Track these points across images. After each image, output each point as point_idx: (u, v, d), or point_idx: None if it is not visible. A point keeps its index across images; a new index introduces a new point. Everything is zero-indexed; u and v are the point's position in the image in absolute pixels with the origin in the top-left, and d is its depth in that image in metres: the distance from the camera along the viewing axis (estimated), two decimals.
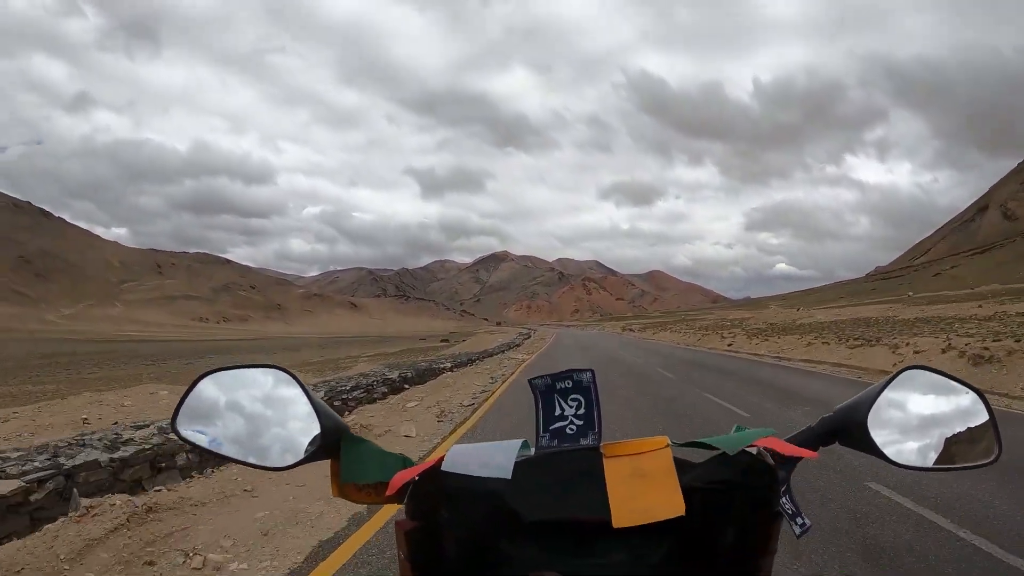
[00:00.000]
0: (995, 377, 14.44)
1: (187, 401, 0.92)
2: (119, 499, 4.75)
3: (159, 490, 6.52)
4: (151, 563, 3.90)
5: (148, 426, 8.33)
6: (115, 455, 6.63)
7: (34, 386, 35.22)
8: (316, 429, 0.89)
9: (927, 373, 0.95)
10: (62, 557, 3.84)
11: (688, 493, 0.79)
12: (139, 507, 4.55)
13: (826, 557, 3.82)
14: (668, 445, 0.87)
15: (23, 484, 4.81)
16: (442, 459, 0.84)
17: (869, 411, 0.89)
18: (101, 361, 63.58)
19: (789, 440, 0.93)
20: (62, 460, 5.60)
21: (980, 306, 38.77)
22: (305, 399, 0.90)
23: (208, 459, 7.59)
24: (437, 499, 0.85)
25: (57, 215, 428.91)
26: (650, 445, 0.87)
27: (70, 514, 4.49)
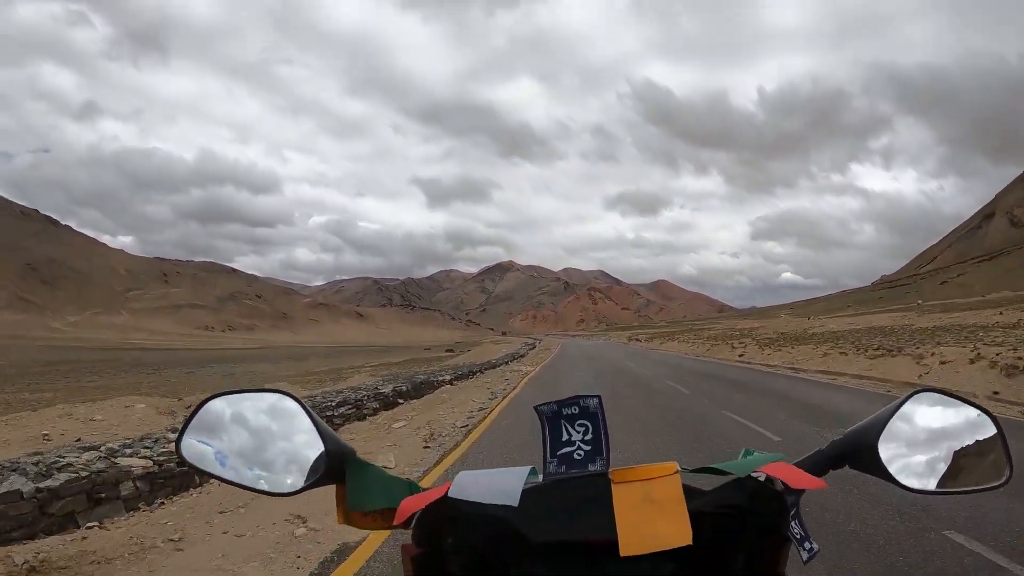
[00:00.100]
0: None
1: (192, 424, 0.92)
2: None
3: (91, 527, 5.58)
4: None
5: (98, 448, 7.38)
6: (43, 484, 5.69)
7: (31, 393, 34.64)
8: (321, 454, 0.89)
9: (938, 395, 0.96)
10: None
11: (697, 518, 0.80)
12: (18, 567, 3.55)
13: None
14: (678, 471, 0.86)
15: None
16: (449, 487, 0.85)
17: (880, 434, 0.90)
18: (103, 369, 63.01)
19: (799, 463, 0.93)
20: None
21: (1001, 313, 37.50)
22: (310, 423, 0.90)
23: (159, 490, 6.70)
24: (444, 525, 0.85)
25: (64, 223, 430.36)
26: (659, 471, 0.86)
27: None
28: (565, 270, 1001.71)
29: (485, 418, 11.15)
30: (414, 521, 0.87)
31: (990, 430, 0.93)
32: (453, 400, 13.99)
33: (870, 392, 15.60)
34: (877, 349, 24.10)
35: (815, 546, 0.88)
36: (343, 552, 4.15)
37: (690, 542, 0.77)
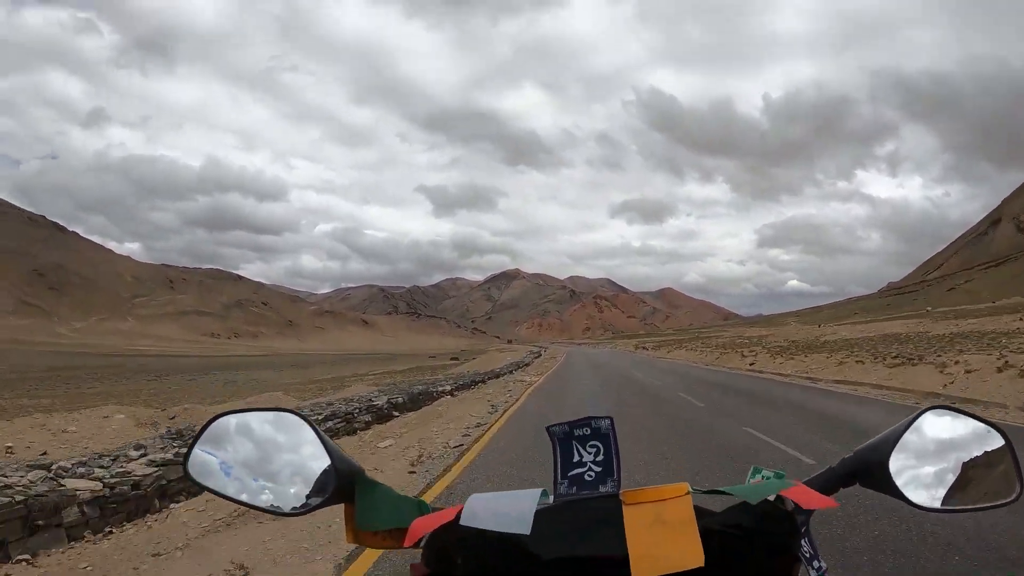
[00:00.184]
0: None
1: (199, 444, 0.93)
2: None
3: (21, 560, 4.82)
4: None
5: (48, 467, 6.61)
6: None
7: (30, 399, 34.22)
8: (330, 473, 0.89)
9: (949, 413, 0.97)
10: None
11: (707, 537, 0.80)
12: None
13: None
14: (689, 492, 0.87)
15: None
16: (461, 510, 0.85)
17: (891, 452, 0.91)
18: (104, 375, 62.65)
19: (810, 481, 0.94)
20: None
21: (1022, 319, 36.46)
22: (318, 442, 0.91)
23: (109, 516, 5.93)
24: (454, 547, 0.86)
25: (71, 229, 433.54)
26: (671, 492, 0.87)
27: None
28: (571, 278, 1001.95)
29: (482, 436, 10.13)
30: (424, 541, 0.88)
31: (1002, 448, 0.93)
32: (450, 414, 12.99)
33: (898, 405, 14.52)
34: (896, 357, 23.12)
35: (824, 565, 0.88)
36: None
37: (702, 564, 0.77)
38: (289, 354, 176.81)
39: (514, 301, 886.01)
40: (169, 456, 6.73)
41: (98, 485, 5.91)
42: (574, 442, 0.92)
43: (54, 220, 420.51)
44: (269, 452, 0.92)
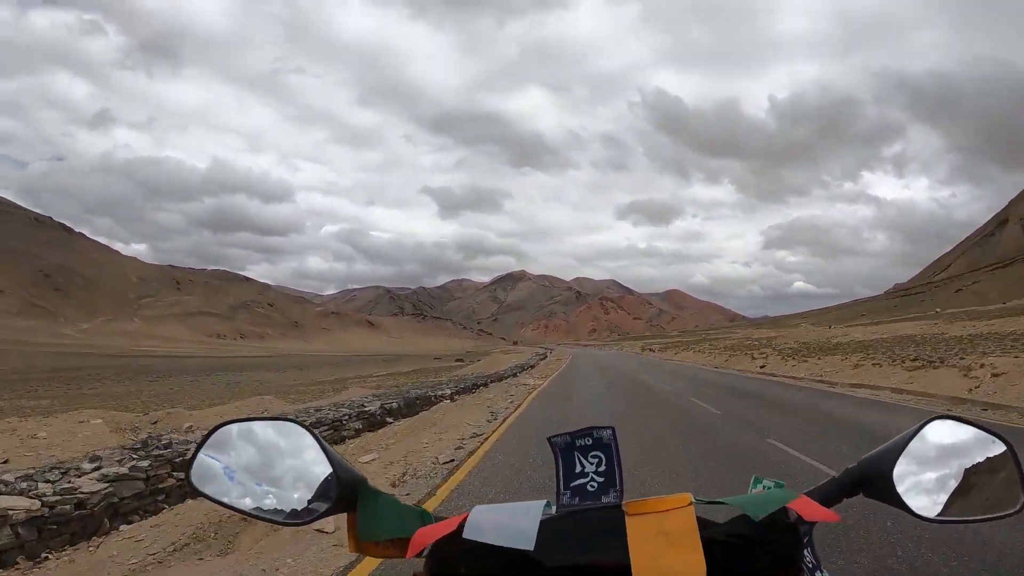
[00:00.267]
0: None
1: (202, 453, 0.93)
2: None
3: None
4: None
5: None
6: None
7: (29, 401, 33.85)
8: (332, 482, 0.90)
9: (954, 423, 0.97)
10: None
11: (710, 547, 0.81)
12: None
13: None
14: (692, 503, 0.87)
15: None
16: (464, 521, 0.86)
17: (895, 462, 0.91)
18: (107, 376, 62.33)
19: (813, 491, 0.95)
20: None
21: None
22: (320, 451, 0.92)
23: (49, 539, 5.17)
24: (457, 557, 0.87)
25: (77, 230, 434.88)
26: (674, 503, 0.87)
27: None
28: (577, 279, 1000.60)
29: (477, 448, 9.15)
30: (427, 551, 0.88)
31: (1005, 456, 0.92)
32: (446, 421, 12.04)
33: (925, 411, 13.62)
34: (915, 360, 22.14)
35: (827, 575, 0.90)
36: None
37: (704, 575, 0.77)
38: (294, 355, 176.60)
39: (520, 302, 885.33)
40: (124, 470, 5.96)
41: (36, 504, 5.16)
42: (576, 452, 0.92)
43: (60, 221, 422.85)
44: (271, 461, 0.93)
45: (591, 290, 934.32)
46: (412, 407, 13.04)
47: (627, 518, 0.84)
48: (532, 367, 41.74)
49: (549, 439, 0.95)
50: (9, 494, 5.42)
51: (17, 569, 4.64)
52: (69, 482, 5.78)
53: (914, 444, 0.91)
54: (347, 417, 10.18)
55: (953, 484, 0.91)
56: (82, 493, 5.53)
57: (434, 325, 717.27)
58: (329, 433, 9.24)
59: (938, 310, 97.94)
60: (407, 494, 6.39)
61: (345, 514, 0.90)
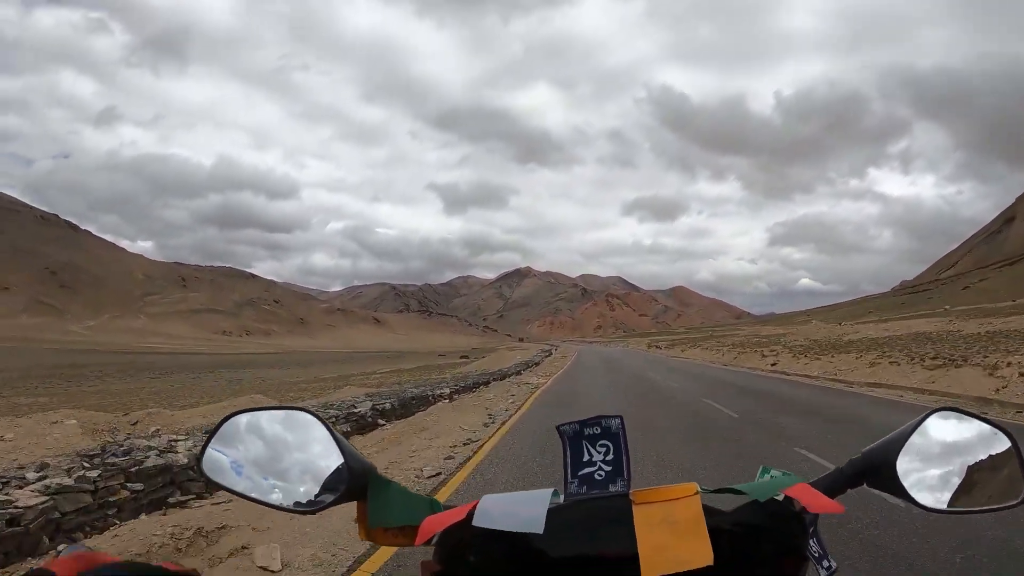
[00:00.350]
0: None
1: (213, 442, 0.94)
2: None
3: None
4: None
5: None
6: None
7: (27, 398, 33.39)
8: (343, 471, 0.90)
9: (957, 414, 0.97)
10: None
11: (716, 536, 0.81)
12: None
13: None
14: (698, 492, 0.88)
15: None
16: (473, 509, 0.86)
17: (899, 452, 0.92)
18: (109, 373, 61.93)
19: (818, 482, 0.95)
20: None
21: None
22: (331, 440, 0.92)
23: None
24: (465, 544, 0.87)
25: (83, 228, 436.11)
26: (680, 492, 0.87)
27: None
28: (583, 276, 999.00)
29: (470, 459, 8.30)
30: (436, 539, 0.88)
31: (1007, 448, 0.94)
32: (439, 425, 11.20)
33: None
34: (934, 358, 21.30)
35: (833, 564, 0.90)
36: None
37: (711, 562, 0.77)
38: (300, 352, 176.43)
39: (526, 299, 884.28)
40: (69, 481, 5.26)
41: None
42: (584, 441, 0.93)
43: (66, 219, 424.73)
44: (281, 451, 0.93)
45: (597, 287, 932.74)
46: (407, 408, 12.24)
47: (634, 507, 0.85)
48: (537, 364, 41.11)
49: (558, 427, 0.95)
50: None
51: None
52: (7, 494, 5.09)
53: (918, 435, 0.92)
54: (334, 419, 9.43)
55: (955, 475, 0.92)
56: (16, 508, 4.83)
57: (440, 322, 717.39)
58: None
59: (947, 307, 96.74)
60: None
61: (355, 503, 0.91)
